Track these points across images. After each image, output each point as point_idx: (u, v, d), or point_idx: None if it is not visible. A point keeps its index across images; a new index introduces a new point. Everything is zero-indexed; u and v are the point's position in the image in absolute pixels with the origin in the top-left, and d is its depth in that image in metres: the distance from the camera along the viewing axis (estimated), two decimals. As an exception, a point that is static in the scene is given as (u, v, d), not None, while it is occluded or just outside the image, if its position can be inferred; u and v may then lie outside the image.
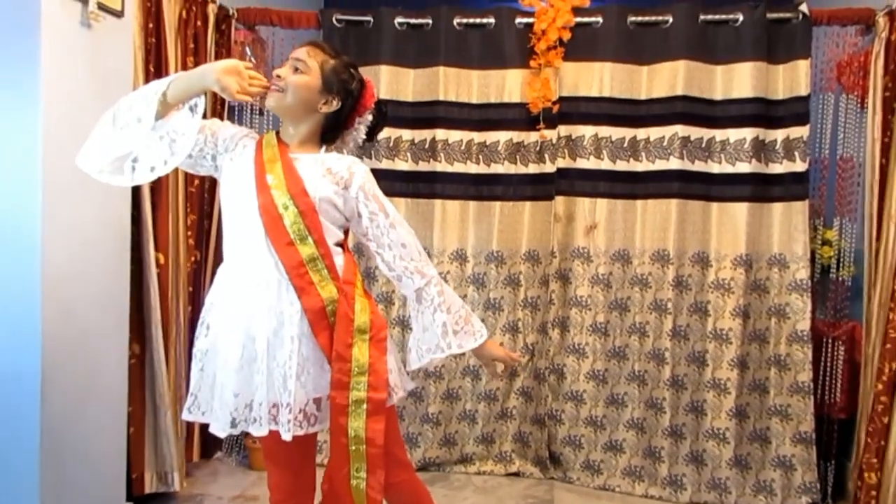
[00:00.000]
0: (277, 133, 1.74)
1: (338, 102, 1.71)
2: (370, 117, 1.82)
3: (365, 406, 1.61)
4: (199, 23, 2.74)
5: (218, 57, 2.83)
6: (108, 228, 2.31)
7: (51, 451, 2.08)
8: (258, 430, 1.61)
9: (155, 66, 2.52)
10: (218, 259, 3.02)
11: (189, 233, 2.76)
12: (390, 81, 3.16)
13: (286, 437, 1.59)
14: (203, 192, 2.81)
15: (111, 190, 2.31)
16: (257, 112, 3.25)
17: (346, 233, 1.77)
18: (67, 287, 2.12)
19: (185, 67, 2.65)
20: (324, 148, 1.75)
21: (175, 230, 2.62)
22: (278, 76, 1.66)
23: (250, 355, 1.62)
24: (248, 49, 3.13)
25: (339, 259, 1.70)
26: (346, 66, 1.74)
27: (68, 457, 2.16)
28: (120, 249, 2.39)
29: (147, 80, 2.47)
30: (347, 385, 1.61)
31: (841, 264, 2.94)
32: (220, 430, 1.65)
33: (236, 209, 1.69)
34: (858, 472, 2.52)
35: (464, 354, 2.12)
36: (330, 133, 1.76)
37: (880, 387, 2.44)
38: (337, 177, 1.69)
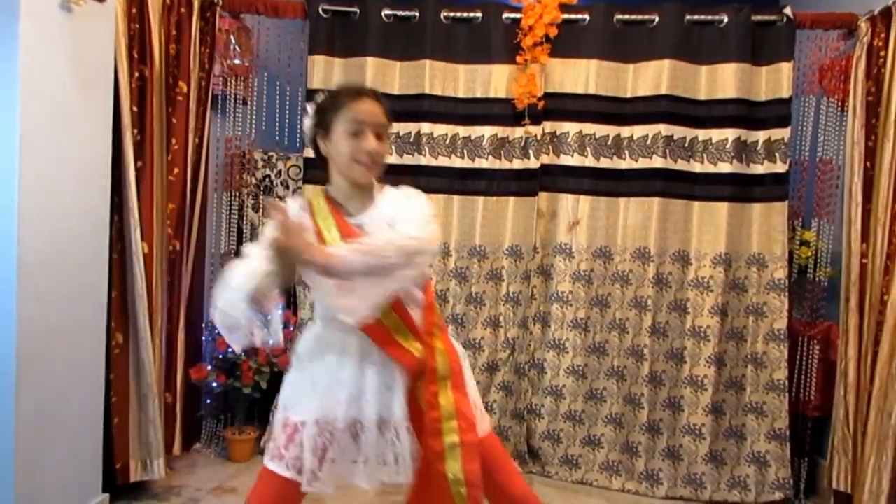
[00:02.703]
0: (327, 195, 1.65)
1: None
2: None
3: (459, 449, 1.59)
4: (182, 10, 2.71)
5: (202, 45, 2.80)
6: (86, 217, 2.29)
7: (26, 442, 2.06)
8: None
9: (139, 52, 2.48)
10: (199, 248, 3.01)
11: (168, 221, 2.73)
12: (376, 74, 3.14)
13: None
14: (184, 181, 2.78)
15: (89, 178, 2.30)
16: (241, 102, 3.22)
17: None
18: (44, 277, 2.09)
19: (168, 55, 2.62)
20: (377, 188, 1.67)
21: (160, 219, 2.60)
22: (378, 152, 1.59)
23: None
24: (232, 38, 3.10)
25: (416, 314, 1.64)
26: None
27: (44, 448, 2.14)
28: (98, 239, 2.37)
29: (130, 67, 2.44)
30: (440, 431, 1.59)
31: (818, 265, 2.98)
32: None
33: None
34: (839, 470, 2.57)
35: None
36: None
37: (869, 388, 2.50)
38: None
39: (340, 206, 1.64)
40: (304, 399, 1.63)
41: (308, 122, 1.69)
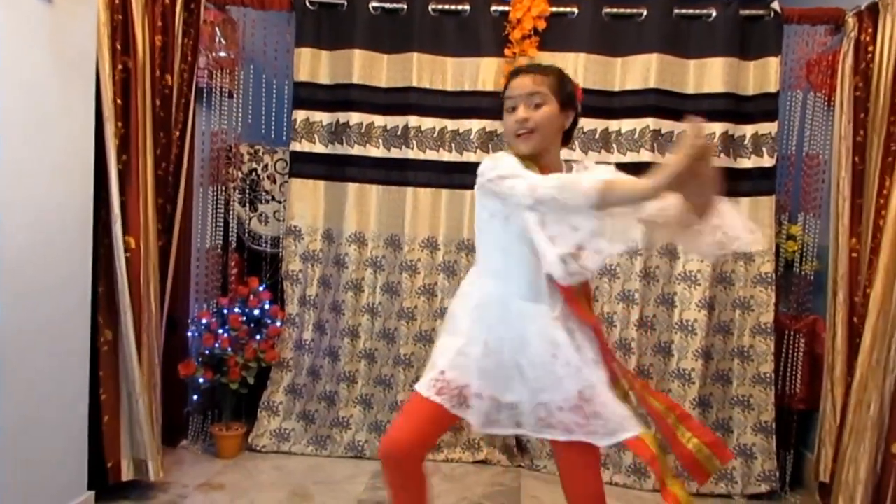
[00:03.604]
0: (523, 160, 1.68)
1: (572, 114, 1.74)
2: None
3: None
4: (167, 0, 2.67)
5: (186, 37, 2.76)
6: (68, 211, 2.25)
7: (8, 441, 2.03)
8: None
9: (122, 44, 2.44)
10: (183, 243, 2.97)
11: (155, 216, 2.69)
12: (363, 66, 3.12)
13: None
14: (168, 176, 2.75)
15: (71, 171, 2.27)
16: (227, 95, 3.19)
17: None
18: (26, 272, 2.06)
19: (153, 47, 2.58)
20: (565, 166, 1.73)
21: (146, 213, 2.56)
22: (525, 119, 1.66)
23: None
24: (218, 30, 3.06)
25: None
26: (563, 73, 1.74)
27: (26, 445, 2.11)
28: (81, 233, 2.33)
29: (113, 60, 2.40)
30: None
31: (804, 259, 3.00)
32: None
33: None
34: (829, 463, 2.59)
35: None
36: (566, 142, 1.79)
37: (849, 380, 2.52)
38: None
39: (543, 169, 1.68)
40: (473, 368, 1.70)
41: None
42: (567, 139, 1.80)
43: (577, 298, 1.70)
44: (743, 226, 1.54)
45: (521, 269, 1.69)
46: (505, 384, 1.69)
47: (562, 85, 1.71)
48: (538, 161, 1.70)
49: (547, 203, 1.50)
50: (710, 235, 1.54)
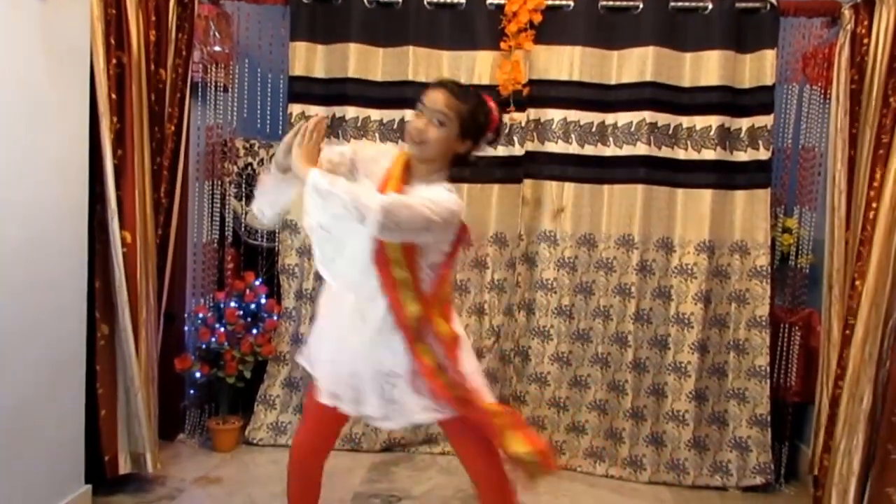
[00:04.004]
0: (409, 158, 1.86)
1: (471, 143, 1.85)
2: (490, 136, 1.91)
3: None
4: (161, -6, 2.66)
5: (180, 32, 2.75)
6: (63, 206, 2.25)
7: (5, 435, 2.04)
8: None
9: (116, 39, 2.43)
10: (179, 238, 2.98)
11: (151, 211, 2.69)
12: (359, 60, 3.11)
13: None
14: (164, 171, 2.74)
15: (68, 167, 2.27)
16: (222, 90, 3.18)
17: (450, 256, 1.86)
18: (22, 268, 2.06)
19: (147, 42, 2.58)
20: (439, 179, 1.83)
21: (142, 208, 2.56)
22: (421, 130, 1.77)
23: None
24: (212, 25, 3.06)
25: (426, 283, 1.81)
26: (481, 107, 1.84)
27: (23, 438, 2.12)
28: (77, 228, 2.34)
29: (108, 54, 2.39)
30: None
31: (800, 252, 3.01)
32: None
33: None
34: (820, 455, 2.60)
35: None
36: (456, 164, 1.88)
37: (839, 371, 2.52)
38: None
39: (409, 172, 1.86)
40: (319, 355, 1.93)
41: None
42: (461, 163, 1.89)
43: (396, 289, 1.79)
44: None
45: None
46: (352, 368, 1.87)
47: (471, 116, 1.81)
48: (417, 169, 1.84)
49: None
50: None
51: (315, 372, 1.93)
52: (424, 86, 3.02)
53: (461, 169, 1.91)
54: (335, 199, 1.61)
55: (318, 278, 3.23)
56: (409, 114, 3.10)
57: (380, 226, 1.61)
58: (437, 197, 1.73)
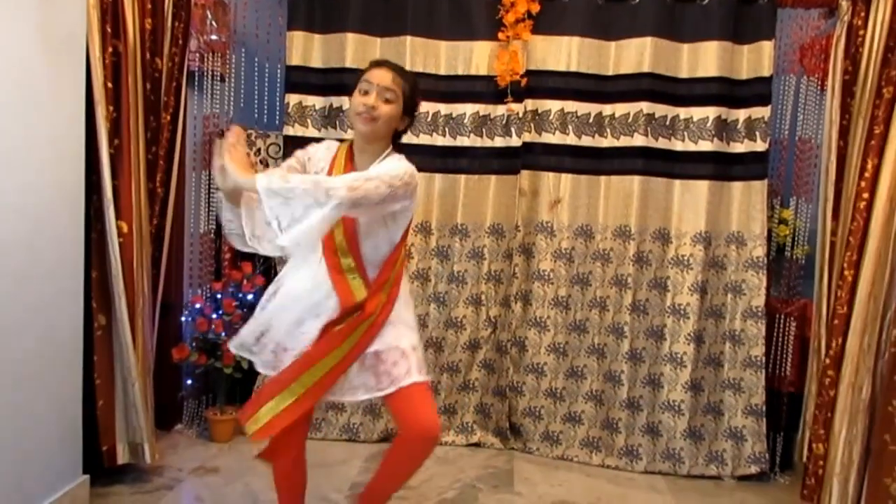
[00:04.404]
0: (350, 146, 1.96)
1: (408, 120, 1.97)
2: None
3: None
4: (157, -17, 2.64)
5: (176, 20, 2.73)
6: (59, 195, 2.24)
7: (2, 426, 2.03)
8: None
9: (112, 28, 2.42)
10: (176, 228, 2.97)
11: (147, 201, 2.68)
12: (356, 50, 3.11)
13: None
14: (160, 161, 2.73)
15: (64, 157, 2.26)
16: (219, 79, 3.17)
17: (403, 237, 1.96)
18: (17, 259, 2.05)
19: (143, 31, 2.56)
20: (388, 155, 1.93)
21: (138, 198, 2.55)
22: (373, 107, 1.84)
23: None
24: (208, 13, 3.04)
25: (372, 270, 1.91)
26: (416, 85, 1.98)
27: (22, 431, 2.12)
28: (73, 218, 2.32)
29: (104, 43, 2.37)
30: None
31: (795, 243, 3.02)
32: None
33: None
34: (809, 444, 2.61)
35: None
36: (395, 141, 1.99)
37: (828, 361, 2.53)
38: None
39: (353, 158, 1.94)
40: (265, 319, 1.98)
41: None
42: (396, 138, 1.99)
43: (343, 277, 1.88)
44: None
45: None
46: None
47: (412, 93, 1.94)
48: (367, 144, 1.92)
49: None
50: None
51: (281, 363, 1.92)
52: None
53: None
54: (295, 191, 1.64)
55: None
56: (406, 104, 3.11)
57: (349, 201, 1.67)
58: (391, 166, 1.83)
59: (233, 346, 2.04)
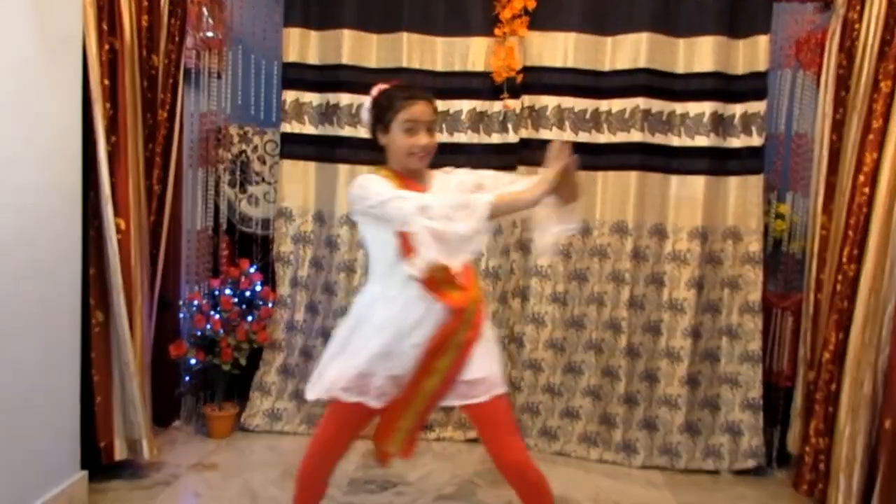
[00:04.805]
0: (395, 173, 1.92)
1: None
2: None
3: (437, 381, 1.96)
4: (153, -20, 2.64)
5: (173, 17, 2.73)
6: (56, 193, 2.24)
7: (1, 421, 2.04)
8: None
9: (108, 25, 2.42)
10: (173, 225, 2.97)
11: (144, 198, 2.68)
12: (353, 47, 3.11)
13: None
14: (157, 158, 2.74)
15: (61, 154, 2.26)
16: (215, 76, 3.17)
17: None
18: (16, 256, 2.06)
19: (139, 27, 2.56)
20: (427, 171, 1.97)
21: (136, 195, 2.55)
22: (426, 146, 1.88)
23: None
24: (205, 10, 3.04)
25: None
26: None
27: (20, 427, 2.12)
28: (70, 215, 2.33)
29: (100, 40, 2.38)
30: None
31: (792, 238, 3.02)
32: None
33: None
34: (804, 437, 2.62)
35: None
36: None
37: (827, 356, 2.53)
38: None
39: (409, 181, 1.91)
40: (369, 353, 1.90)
41: (366, 116, 1.99)
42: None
43: (437, 285, 1.86)
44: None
45: (396, 268, 1.87)
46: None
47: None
48: (413, 175, 1.92)
49: (436, 221, 1.68)
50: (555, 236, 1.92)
51: (370, 385, 1.90)
52: (418, 72, 3.09)
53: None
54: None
55: (314, 265, 3.24)
56: (403, 100, 3.11)
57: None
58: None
59: (321, 392, 1.97)
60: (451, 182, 1.96)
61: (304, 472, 2.02)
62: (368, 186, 1.83)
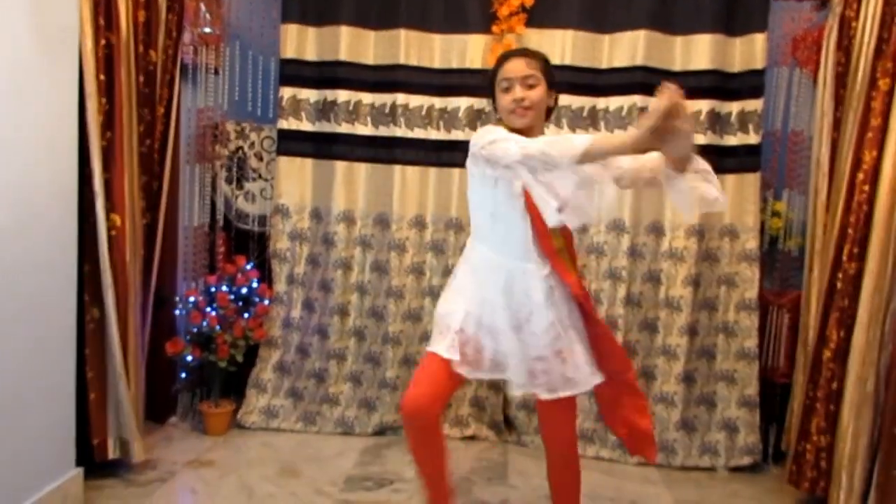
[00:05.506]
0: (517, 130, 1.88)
1: (554, 94, 1.96)
2: None
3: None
4: (150, -25, 2.63)
5: (169, 13, 2.73)
6: (51, 188, 2.23)
7: (-3, 417, 2.03)
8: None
9: (105, 20, 2.41)
10: (170, 221, 2.96)
11: (140, 194, 2.67)
12: (351, 43, 3.11)
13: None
14: (154, 154, 2.73)
15: (57, 149, 2.25)
16: (213, 72, 3.16)
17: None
18: (10, 251, 2.04)
19: (136, 23, 2.55)
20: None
21: (131, 191, 2.54)
22: (522, 98, 1.85)
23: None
24: (202, 6, 3.03)
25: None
26: (547, 58, 1.96)
27: (14, 424, 2.11)
28: (67, 211, 2.32)
29: (96, 35, 2.37)
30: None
31: (788, 235, 3.03)
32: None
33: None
34: (804, 434, 2.62)
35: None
36: (547, 118, 1.99)
37: (828, 354, 2.53)
38: None
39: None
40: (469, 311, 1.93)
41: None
42: (548, 116, 2.00)
43: (560, 258, 1.91)
44: (717, 188, 1.79)
45: (511, 232, 1.91)
46: (502, 339, 1.91)
47: (548, 68, 1.93)
48: (526, 135, 1.83)
49: (536, 157, 1.64)
50: (689, 194, 1.76)
51: (458, 348, 1.90)
52: (416, 69, 3.09)
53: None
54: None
55: (310, 262, 3.23)
56: (400, 97, 3.11)
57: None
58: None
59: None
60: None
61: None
62: (489, 129, 1.85)
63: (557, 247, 1.90)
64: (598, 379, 1.94)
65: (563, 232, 1.90)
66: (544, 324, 1.89)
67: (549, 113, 2.00)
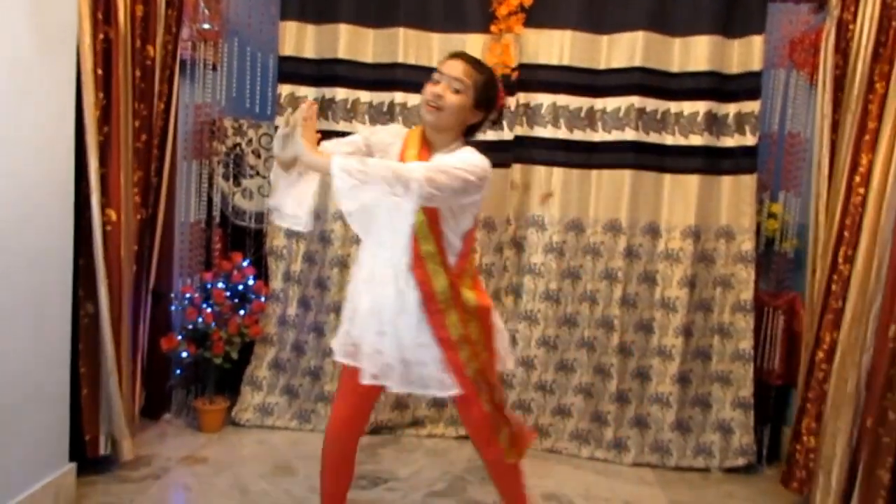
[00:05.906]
0: (423, 132, 1.92)
1: (483, 115, 1.93)
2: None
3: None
4: (149, -30, 2.62)
5: (169, 8, 2.72)
6: (48, 183, 2.22)
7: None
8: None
9: (103, 14, 2.40)
10: (167, 217, 2.96)
11: (135, 189, 2.67)
12: (349, 42, 3.10)
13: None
14: (152, 149, 2.72)
15: (53, 144, 2.25)
16: (211, 68, 3.16)
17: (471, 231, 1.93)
18: (6, 244, 2.04)
19: (134, 18, 2.54)
20: (457, 148, 1.90)
21: (127, 186, 2.53)
22: (439, 95, 1.83)
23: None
24: (201, 2, 3.03)
25: (452, 257, 1.89)
26: (493, 80, 1.93)
27: (7, 418, 2.10)
28: (62, 205, 2.31)
29: (94, 30, 2.36)
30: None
31: (784, 237, 3.04)
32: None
33: None
34: (796, 435, 2.63)
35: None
36: (468, 135, 1.97)
37: (821, 355, 2.54)
38: None
39: (429, 145, 1.91)
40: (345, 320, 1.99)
41: None
42: (469, 133, 1.97)
43: (423, 263, 1.86)
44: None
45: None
46: (381, 340, 1.89)
47: (485, 86, 1.89)
48: (435, 136, 1.90)
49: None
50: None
51: (358, 361, 1.90)
52: (414, 68, 3.09)
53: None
54: (372, 178, 1.63)
55: (307, 260, 3.23)
56: (398, 96, 3.11)
57: (425, 194, 1.66)
58: (465, 158, 1.81)
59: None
60: (457, 153, 1.87)
61: None
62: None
63: (425, 251, 1.85)
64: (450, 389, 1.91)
65: (435, 237, 1.85)
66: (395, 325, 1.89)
67: (472, 131, 1.96)
